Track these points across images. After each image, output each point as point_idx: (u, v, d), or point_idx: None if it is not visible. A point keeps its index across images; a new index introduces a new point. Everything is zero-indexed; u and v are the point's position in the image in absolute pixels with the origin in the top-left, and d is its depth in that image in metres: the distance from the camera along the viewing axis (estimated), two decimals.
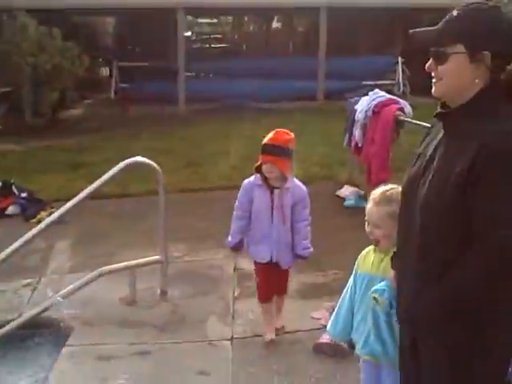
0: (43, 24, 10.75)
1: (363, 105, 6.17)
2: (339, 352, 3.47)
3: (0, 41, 10.69)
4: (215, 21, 21.58)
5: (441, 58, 1.92)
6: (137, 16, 14.43)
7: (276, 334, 3.74)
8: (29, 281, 4.64)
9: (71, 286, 4.15)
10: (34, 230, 4.19)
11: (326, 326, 3.02)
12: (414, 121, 5.57)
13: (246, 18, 20.40)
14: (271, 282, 3.74)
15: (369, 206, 2.58)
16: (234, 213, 3.73)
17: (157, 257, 4.45)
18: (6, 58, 10.63)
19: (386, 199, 2.51)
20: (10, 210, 6.26)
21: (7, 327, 3.91)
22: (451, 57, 1.90)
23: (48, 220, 4.34)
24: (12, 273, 4.58)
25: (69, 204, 4.24)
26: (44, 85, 10.76)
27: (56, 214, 4.31)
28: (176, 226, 4.99)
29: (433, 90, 1.98)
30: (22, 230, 5.49)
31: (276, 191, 3.61)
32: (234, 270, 4.76)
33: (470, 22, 1.90)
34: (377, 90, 6.35)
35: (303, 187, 3.71)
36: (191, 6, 12.62)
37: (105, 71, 15.44)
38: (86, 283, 4.19)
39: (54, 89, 10.88)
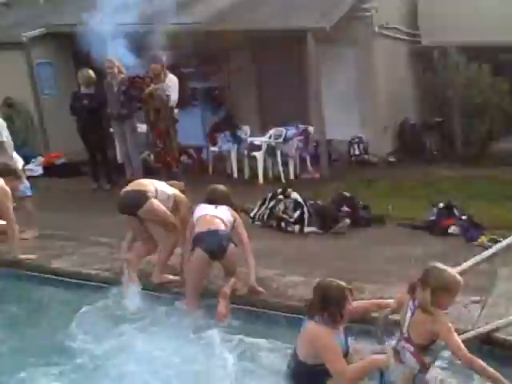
0: (472, 60, 11.25)
1: None
2: None
3: (434, 76, 11.63)
4: None
5: None
6: None
7: None
8: (477, 298, 4.95)
9: None
10: (485, 254, 4.51)
11: None
12: None
13: None
14: None
15: None
16: None
17: None
18: (439, 91, 11.50)
19: None
20: (452, 229, 6.82)
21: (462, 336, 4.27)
22: None
23: (496, 248, 4.59)
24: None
25: None
26: (474, 117, 11.22)
27: (503, 244, 4.53)
28: None
29: None
30: (462, 249, 5.91)
31: None
32: None
33: None
34: None
35: None
36: None
37: None
38: None
39: (484, 122, 11.24)
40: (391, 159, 11.18)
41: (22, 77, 11.42)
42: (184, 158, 10.67)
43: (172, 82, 9.09)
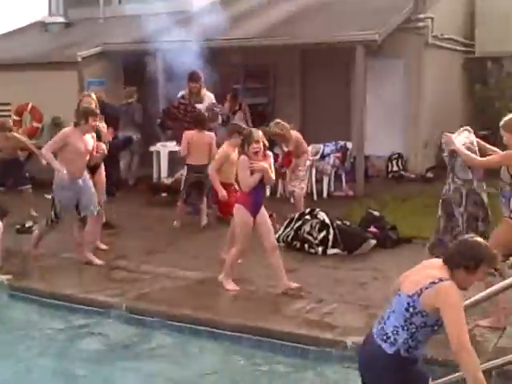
0: None
1: None
2: None
3: (485, 87, 11.38)
4: None
5: None
6: None
7: None
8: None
9: None
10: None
11: None
12: None
13: None
14: None
15: None
16: None
17: None
18: (489, 103, 11.24)
19: None
20: None
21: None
22: None
23: None
24: None
25: None
26: None
27: None
28: None
29: None
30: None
31: None
32: None
33: None
34: None
35: None
36: None
37: None
38: None
39: None
40: (429, 175, 10.96)
41: (72, 96, 11.17)
42: None
43: (210, 98, 9.37)
